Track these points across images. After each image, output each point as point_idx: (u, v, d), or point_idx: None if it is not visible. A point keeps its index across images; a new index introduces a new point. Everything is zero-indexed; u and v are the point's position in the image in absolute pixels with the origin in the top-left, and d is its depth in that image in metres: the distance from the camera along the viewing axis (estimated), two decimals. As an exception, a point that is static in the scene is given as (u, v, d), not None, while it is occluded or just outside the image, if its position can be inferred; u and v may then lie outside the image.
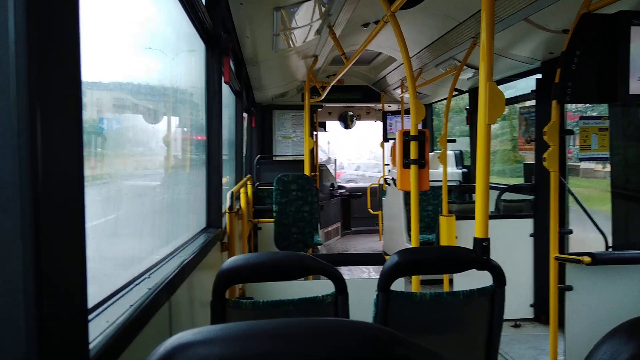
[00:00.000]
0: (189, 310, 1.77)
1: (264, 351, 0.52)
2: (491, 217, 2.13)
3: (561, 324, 2.49)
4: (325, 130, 8.90)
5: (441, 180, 4.40)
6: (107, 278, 1.17)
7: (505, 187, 4.57)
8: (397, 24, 2.69)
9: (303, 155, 6.04)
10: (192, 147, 2.42)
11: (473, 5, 3.30)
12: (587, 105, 5.09)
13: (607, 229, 3.59)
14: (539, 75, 4.14)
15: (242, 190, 3.79)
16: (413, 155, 2.75)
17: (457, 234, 3.90)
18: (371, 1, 3.30)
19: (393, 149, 4.66)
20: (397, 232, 6.05)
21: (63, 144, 0.67)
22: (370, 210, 8.18)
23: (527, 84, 4.53)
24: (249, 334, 0.54)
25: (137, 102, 1.52)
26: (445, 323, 1.64)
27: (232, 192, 2.98)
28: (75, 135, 0.71)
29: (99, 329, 0.89)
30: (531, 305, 4.10)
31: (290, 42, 4.00)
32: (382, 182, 7.27)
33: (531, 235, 4.09)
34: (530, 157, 4.68)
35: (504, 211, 4.33)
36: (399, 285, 1.60)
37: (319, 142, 8.40)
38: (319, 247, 5.17)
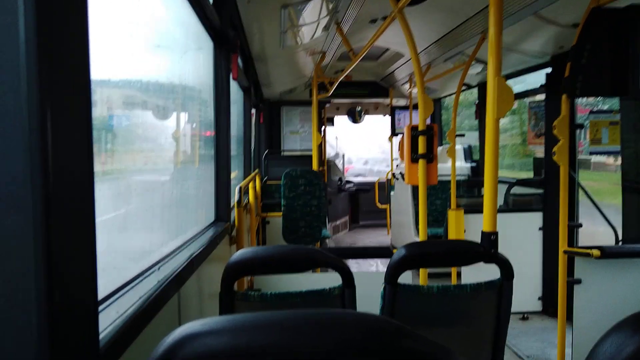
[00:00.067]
0: (198, 302, 1.80)
1: (270, 342, 0.52)
2: (500, 211, 2.13)
3: (569, 317, 2.48)
4: (332, 125, 8.90)
5: (450, 175, 4.39)
6: (117, 271, 1.20)
7: (514, 181, 4.54)
8: (404, 20, 2.66)
9: (311, 150, 6.04)
10: (201, 143, 2.44)
11: (481, 0, 3.28)
12: (599, 98, 5.03)
13: (618, 222, 3.56)
14: (549, 70, 4.10)
15: (250, 185, 3.81)
16: (421, 149, 2.74)
17: (466, 227, 3.89)
18: (378, -3, 3.29)
19: (401, 143, 4.66)
20: (405, 226, 6.04)
21: (73, 142, 0.69)
22: (378, 204, 8.17)
23: (537, 79, 4.49)
24: (256, 325, 0.54)
25: (146, 99, 1.54)
26: (452, 316, 1.63)
27: (241, 187, 3.00)
28: (85, 134, 0.73)
29: (109, 319, 0.91)
30: (539, 298, 4.09)
31: (298, 38, 4.00)
32: (390, 176, 7.26)
33: (540, 228, 4.08)
34: (540, 151, 4.64)
35: (512, 205, 4.31)
36: (406, 278, 1.60)
37: (327, 137, 8.40)
38: (327, 240, 5.18)
